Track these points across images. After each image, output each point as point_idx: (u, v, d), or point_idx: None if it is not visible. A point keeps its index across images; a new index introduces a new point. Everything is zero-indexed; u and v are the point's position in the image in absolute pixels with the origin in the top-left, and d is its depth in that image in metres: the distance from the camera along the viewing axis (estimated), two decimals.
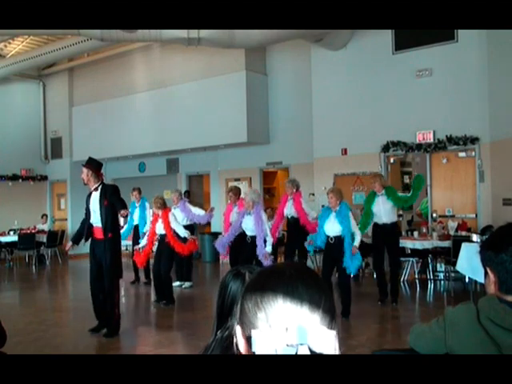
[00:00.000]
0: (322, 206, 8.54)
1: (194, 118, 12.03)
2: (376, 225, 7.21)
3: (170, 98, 12.62)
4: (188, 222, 8.79)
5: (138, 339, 6.11)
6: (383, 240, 7.16)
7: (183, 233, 7.56)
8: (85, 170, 5.90)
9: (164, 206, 7.61)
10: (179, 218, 8.29)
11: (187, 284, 8.91)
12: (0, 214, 13.95)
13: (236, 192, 8.49)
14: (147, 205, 9.49)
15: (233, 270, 1.01)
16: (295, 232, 8.06)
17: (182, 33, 8.67)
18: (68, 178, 15.15)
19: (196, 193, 13.85)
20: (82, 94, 14.93)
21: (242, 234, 7.27)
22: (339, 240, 6.21)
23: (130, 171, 14.50)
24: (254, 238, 7.00)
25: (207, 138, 11.92)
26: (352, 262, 6.17)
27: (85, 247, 16.10)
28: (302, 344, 0.82)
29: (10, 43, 13.94)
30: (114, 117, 13.77)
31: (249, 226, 7.06)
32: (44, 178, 15.78)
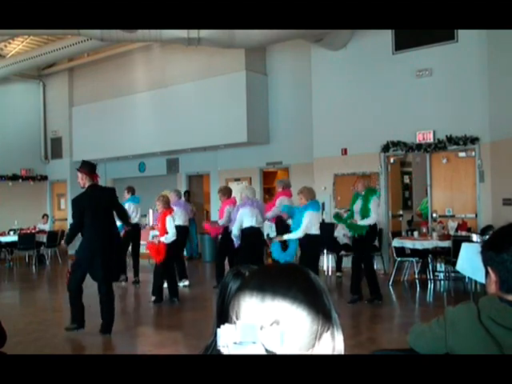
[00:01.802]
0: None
1: (194, 118, 12.03)
2: None
3: (170, 98, 12.62)
4: (183, 223, 8.72)
5: (138, 339, 6.11)
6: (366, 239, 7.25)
7: (168, 238, 7.38)
8: (79, 174, 5.88)
9: (165, 207, 7.58)
10: (179, 217, 8.32)
11: (184, 283, 8.80)
12: (0, 213, 13.95)
13: (225, 192, 8.52)
14: (127, 205, 8.79)
15: (233, 270, 1.00)
16: (282, 230, 8.19)
17: (182, 33, 8.67)
18: (68, 178, 15.14)
19: (196, 193, 13.85)
20: (82, 94, 14.93)
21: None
22: (304, 236, 6.71)
23: (130, 171, 14.49)
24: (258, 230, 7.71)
25: (207, 138, 11.92)
26: (279, 255, 6.74)
27: None
28: (253, 342, 0.79)
29: (10, 43, 13.94)
30: (114, 117, 13.77)
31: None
32: (44, 178, 15.77)
